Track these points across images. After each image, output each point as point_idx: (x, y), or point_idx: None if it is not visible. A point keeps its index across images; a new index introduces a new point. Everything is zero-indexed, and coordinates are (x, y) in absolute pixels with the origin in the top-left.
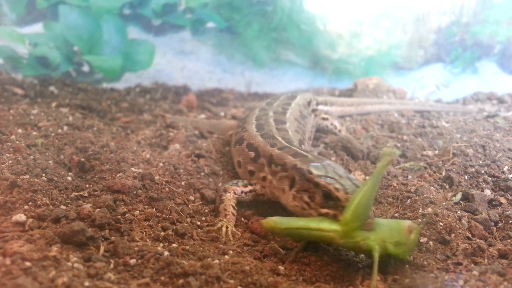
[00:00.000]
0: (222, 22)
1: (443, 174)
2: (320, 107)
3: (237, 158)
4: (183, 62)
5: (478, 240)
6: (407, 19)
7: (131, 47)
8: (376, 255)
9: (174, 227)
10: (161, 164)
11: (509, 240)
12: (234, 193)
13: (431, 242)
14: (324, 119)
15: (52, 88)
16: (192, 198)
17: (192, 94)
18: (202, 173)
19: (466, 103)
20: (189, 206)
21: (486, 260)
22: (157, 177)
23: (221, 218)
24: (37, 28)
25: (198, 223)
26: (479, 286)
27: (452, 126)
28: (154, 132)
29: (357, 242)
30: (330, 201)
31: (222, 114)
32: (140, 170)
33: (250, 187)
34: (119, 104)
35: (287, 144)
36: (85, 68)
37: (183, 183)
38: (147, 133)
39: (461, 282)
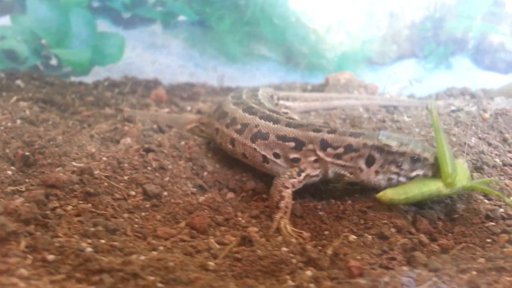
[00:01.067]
0: (194, 15)
1: None
2: (281, 102)
3: (270, 151)
4: (154, 56)
5: (422, 234)
6: (381, 14)
7: (100, 41)
8: (488, 189)
9: (107, 222)
10: (104, 159)
11: (450, 235)
12: (293, 186)
13: (369, 237)
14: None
15: (18, 82)
16: (133, 193)
17: (161, 88)
18: (149, 168)
19: (439, 99)
20: (129, 201)
21: (424, 255)
22: (97, 172)
23: (281, 215)
24: (4, 21)
25: (136, 219)
26: (404, 282)
27: (412, 121)
28: (110, 126)
29: (458, 187)
30: (418, 163)
31: (188, 108)
32: (81, 165)
33: (303, 174)
34: (84, 98)
35: (323, 125)
36: (53, 61)
37: (125, 177)
38: (103, 127)
39: (386, 278)
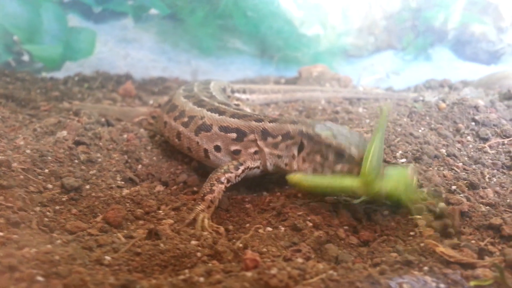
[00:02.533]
0: (165, 8)
1: None
2: (236, 94)
3: (211, 144)
4: (126, 50)
5: (343, 227)
6: (357, 5)
7: (71, 36)
8: (406, 200)
9: (11, 215)
10: (28, 151)
11: (376, 227)
12: (228, 181)
13: (282, 229)
14: (235, 105)
15: None
16: (50, 186)
17: (129, 82)
18: (76, 161)
19: (417, 91)
20: (44, 194)
21: (337, 248)
22: (14, 164)
23: (203, 208)
24: None
25: (48, 212)
26: (293, 274)
27: (366, 112)
28: (56, 120)
29: (377, 191)
30: (342, 158)
31: (151, 102)
32: (1, 157)
33: (242, 167)
34: (49, 93)
35: (264, 115)
36: (25, 57)
37: (46, 170)
38: (50, 121)
39: (273, 271)
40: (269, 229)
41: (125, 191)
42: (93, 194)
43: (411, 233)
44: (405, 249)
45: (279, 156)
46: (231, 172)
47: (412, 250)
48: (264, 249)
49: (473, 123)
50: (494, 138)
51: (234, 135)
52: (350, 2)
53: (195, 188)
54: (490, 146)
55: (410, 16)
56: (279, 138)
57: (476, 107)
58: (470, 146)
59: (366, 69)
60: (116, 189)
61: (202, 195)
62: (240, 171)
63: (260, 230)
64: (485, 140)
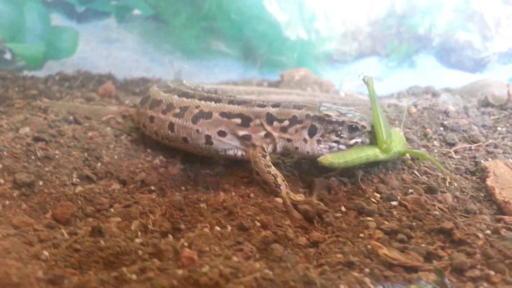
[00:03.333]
0: (149, 9)
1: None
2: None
3: (214, 130)
4: (108, 51)
5: (293, 228)
6: (341, 11)
7: (54, 35)
8: (422, 153)
9: None
10: None
11: (328, 228)
12: (270, 162)
13: (229, 228)
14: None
15: None
16: (2, 181)
17: (110, 82)
18: (32, 157)
19: (400, 97)
20: None
21: (283, 248)
22: None
23: (286, 191)
24: None
25: None
26: (225, 272)
27: None
28: (24, 116)
29: (393, 152)
30: (356, 132)
31: (127, 102)
32: None
33: (266, 150)
34: (27, 91)
35: (263, 101)
36: (7, 55)
37: (0, 166)
38: (18, 118)
39: (205, 269)
40: (217, 228)
41: (79, 189)
42: (46, 190)
43: (361, 235)
44: (351, 251)
45: (289, 140)
46: (265, 155)
47: (358, 252)
48: (207, 248)
49: (442, 128)
50: (461, 143)
51: (238, 120)
52: (334, 7)
53: (152, 187)
54: (455, 152)
55: (395, 23)
56: (286, 122)
57: (446, 113)
58: (436, 151)
59: (349, 74)
60: (70, 186)
61: (273, 184)
62: (268, 156)
63: (206, 230)
64: (452, 145)
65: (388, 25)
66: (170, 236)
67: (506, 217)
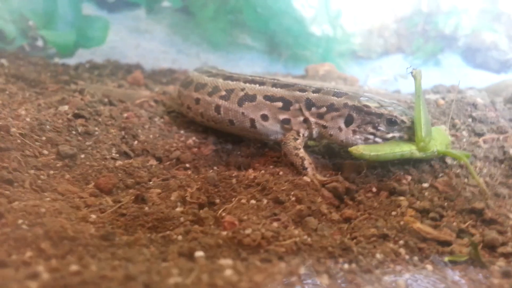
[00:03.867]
0: (178, 1)
1: None
2: None
3: (258, 113)
4: (137, 41)
5: (325, 205)
6: (368, 7)
7: (85, 23)
8: (459, 156)
9: (4, 174)
10: (28, 119)
11: (360, 206)
12: (300, 145)
13: (265, 201)
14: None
15: (3, 61)
16: (46, 152)
17: (138, 71)
18: (74, 132)
19: (424, 95)
20: (40, 159)
21: (317, 221)
22: (13, 129)
23: (312, 173)
24: None
25: (42, 176)
26: (267, 235)
27: None
28: (60, 97)
29: (432, 151)
30: (394, 126)
31: (156, 89)
32: (0, 123)
33: (300, 136)
34: (58, 76)
35: (305, 85)
36: (39, 42)
37: (43, 138)
38: (55, 98)
39: (248, 231)
40: (253, 201)
41: (119, 163)
42: (87, 163)
43: (393, 213)
44: (384, 226)
45: (324, 127)
46: (298, 138)
47: (391, 227)
48: (245, 217)
49: (470, 120)
50: (489, 134)
51: (280, 103)
52: (360, 3)
53: (187, 165)
54: (484, 141)
55: (420, 21)
56: (324, 109)
57: (474, 105)
58: (464, 140)
59: (374, 71)
60: (110, 160)
61: (300, 167)
62: (301, 138)
63: (243, 201)
64: (480, 135)
65: (414, 23)
66: (207, 209)
67: None
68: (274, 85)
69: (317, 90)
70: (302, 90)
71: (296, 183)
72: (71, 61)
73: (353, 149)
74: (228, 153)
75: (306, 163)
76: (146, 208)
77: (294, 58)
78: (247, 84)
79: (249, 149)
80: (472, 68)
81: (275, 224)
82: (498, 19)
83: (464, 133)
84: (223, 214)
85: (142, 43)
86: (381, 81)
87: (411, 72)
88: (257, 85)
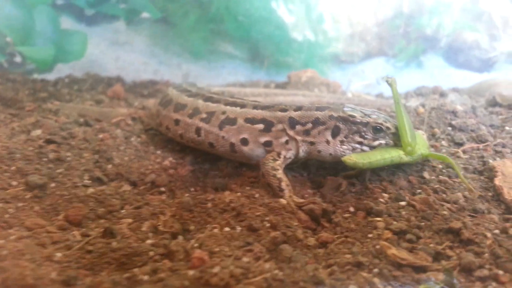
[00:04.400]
0: (157, 12)
1: None
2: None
3: (238, 137)
4: (117, 53)
5: (302, 229)
6: (348, 12)
7: (63, 38)
8: (445, 156)
9: None
10: None
11: (337, 229)
12: (280, 167)
13: (239, 229)
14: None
15: None
16: (15, 183)
17: (119, 85)
18: (45, 159)
19: (408, 98)
20: (8, 191)
21: (293, 249)
22: None
23: (289, 194)
24: None
25: (10, 209)
26: (236, 273)
27: None
28: (36, 119)
29: (418, 155)
30: (380, 133)
31: (136, 104)
32: None
33: (282, 156)
34: (37, 94)
35: (286, 105)
36: (18, 59)
37: (13, 167)
38: (29, 120)
39: (216, 269)
40: (227, 229)
41: (90, 190)
42: (58, 192)
43: (370, 235)
44: (360, 251)
45: (312, 143)
46: (278, 160)
47: (367, 252)
48: (217, 249)
49: (450, 128)
50: (469, 143)
51: (261, 126)
52: (341, 8)
53: (162, 188)
54: (463, 151)
55: (402, 23)
56: (310, 125)
57: (454, 112)
58: (444, 150)
59: (356, 75)
60: (82, 188)
61: (277, 188)
62: (282, 160)
63: (216, 230)
64: (460, 145)
65: (396, 25)
66: (180, 237)
67: None
68: (255, 107)
69: (298, 108)
70: (284, 110)
71: (271, 206)
72: (51, 76)
73: (346, 159)
74: (205, 173)
75: (283, 184)
76: (114, 243)
77: (277, 65)
78: (228, 107)
79: (226, 168)
80: (454, 68)
81: (245, 258)
82: (479, 18)
83: (444, 142)
84: (196, 245)
85: (122, 55)
86: (364, 85)
87: (387, 80)
88: (238, 108)
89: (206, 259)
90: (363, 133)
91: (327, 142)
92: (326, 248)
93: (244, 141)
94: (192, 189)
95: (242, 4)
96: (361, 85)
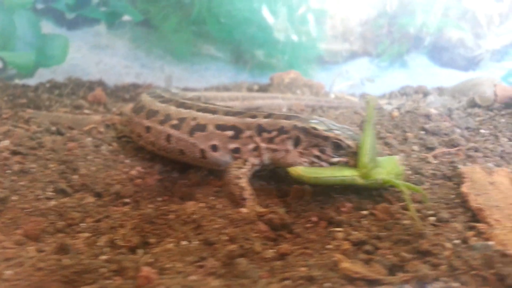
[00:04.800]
0: (138, 15)
1: None
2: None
3: (208, 143)
4: (99, 57)
5: (260, 241)
6: (332, 12)
7: (44, 42)
8: (400, 184)
9: None
10: None
11: (297, 240)
12: (244, 175)
13: (195, 243)
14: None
15: None
16: None
17: (99, 89)
18: (8, 171)
19: (392, 98)
20: None
21: (250, 263)
22: None
23: (251, 204)
24: None
25: None
26: None
27: None
28: (7, 128)
29: (375, 179)
30: (340, 150)
31: (114, 109)
32: None
33: (248, 163)
34: (16, 100)
35: (257, 112)
36: None
37: None
38: (2, 130)
39: None
40: (184, 243)
41: (53, 203)
42: (19, 205)
43: (328, 246)
44: (316, 264)
45: (274, 150)
46: (243, 168)
47: (323, 265)
48: (170, 265)
49: (423, 132)
50: (441, 147)
51: (231, 132)
52: (325, 8)
53: (126, 200)
54: (434, 156)
55: (385, 23)
56: (275, 133)
57: (427, 116)
58: (414, 155)
59: (341, 75)
60: (44, 200)
61: (239, 197)
62: (249, 167)
63: (171, 245)
64: (431, 149)
65: (379, 25)
66: (141, 251)
67: (479, 225)
68: (226, 113)
69: (268, 115)
70: (253, 116)
71: (232, 218)
72: (32, 82)
73: (291, 170)
74: (174, 182)
75: (246, 193)
76: (67, 260)
77: (261, 66)
78: (200, 113)
79: (195, 177)
80: (439, 67)
81: (193, 276)
82: (463, 17)
83: (415, 147)
84: (151, 260)
85: (104, 59)
86: (348, 85)
87: (367, 101)
88: (210, 114)
89: (153, 278)
90: (322, 147)
91: (287, 151)
92: (284, 260)
93: (214, 148)
94: (160, 199)
95: (224, 6)
96: (345, 86)
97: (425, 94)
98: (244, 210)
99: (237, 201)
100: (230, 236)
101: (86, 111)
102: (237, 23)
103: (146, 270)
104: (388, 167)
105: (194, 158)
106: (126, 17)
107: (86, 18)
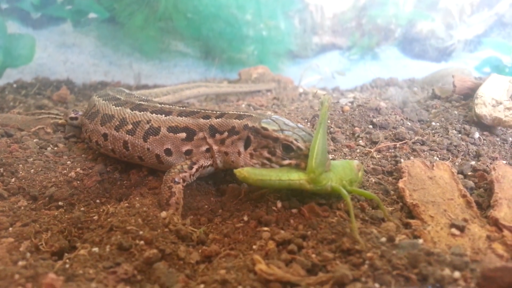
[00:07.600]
0: (104, 12)
1: None
2: None
3: (161, 148)
4: (66, 56)
5: (185, 245)
6: (300, 6)
7: (10, 42)
8: (346, 195)
9: None
10: None
11: (226, 240)
12: (183, 180)
13: (108, 248)
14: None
15: None
16: None
17: (64, 88)
18: None
19: (363, 90)
20: None
21: (170, 267)
22: None
23: (173, 212)
24: None
25: None
26: None
27: None
28: None
29: (323, 185)
30: (291, 152)
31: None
32: None
33: (195, 166)
34: None
35: (211, 111)
36: None
37: None
38: None
39: None
40: (95, 249)
41: None
42: None
43: (254, 247)
44: (235, 266)
45: (226, 153)
46: (185, 172)
47: (242, 267)
48: (81, 271)
49: (371, 126)
50: (385, 142)
51: (183, 134)
52: (293, 2)
53: (60, 203)
54: (378, 151)
55: (355, 15)
56: (226, 134)
57: (377, 109)
58: (358, 150)
59: (311, 69)
60: None
61: (165, 200)
62: (194, 170)
63: (82, 252)
64: (376, 144)
65: (348, 18)
66: (67, 256)
67: (413, 221)
68: (180, 114)
69: (220, 115)
70: (206, 117)
71: (154, 222)
72: (0, 82)
73: (237, 171)
74: (114, 183)
75: (172, 200)
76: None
77: (231, 62)
78: (154, 115)
79: (135, 177)
80: (410, 58)
81: (99, 284)
82: (434, 7)
83: (361, 142)
84: (67, 266)
85: (71, 58)
86: (318, 79)
87: (320, 98)
88: (163, 116)
89: (57, 285)
90: (272, 149)
91: (239, 153)
92: (209, 263)
93: (168, 152)
94: (98, 201)
95: (191, 1)
96: (316, 80)
97: (397, 86)
98: (162, 214)
99: (162, 204)
100: (147, 240)
101: (43, 111)
102: (204, 19)
103: (50, 277)
104: (341, 173)
105: (153, 163)
106: (92, 15)
107: (52, 17)
